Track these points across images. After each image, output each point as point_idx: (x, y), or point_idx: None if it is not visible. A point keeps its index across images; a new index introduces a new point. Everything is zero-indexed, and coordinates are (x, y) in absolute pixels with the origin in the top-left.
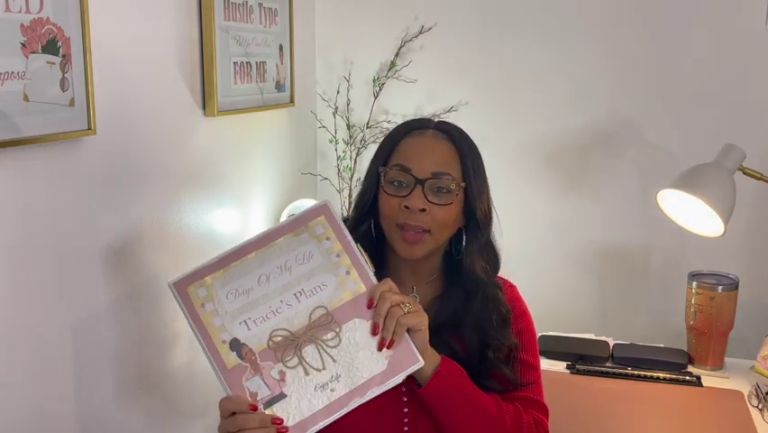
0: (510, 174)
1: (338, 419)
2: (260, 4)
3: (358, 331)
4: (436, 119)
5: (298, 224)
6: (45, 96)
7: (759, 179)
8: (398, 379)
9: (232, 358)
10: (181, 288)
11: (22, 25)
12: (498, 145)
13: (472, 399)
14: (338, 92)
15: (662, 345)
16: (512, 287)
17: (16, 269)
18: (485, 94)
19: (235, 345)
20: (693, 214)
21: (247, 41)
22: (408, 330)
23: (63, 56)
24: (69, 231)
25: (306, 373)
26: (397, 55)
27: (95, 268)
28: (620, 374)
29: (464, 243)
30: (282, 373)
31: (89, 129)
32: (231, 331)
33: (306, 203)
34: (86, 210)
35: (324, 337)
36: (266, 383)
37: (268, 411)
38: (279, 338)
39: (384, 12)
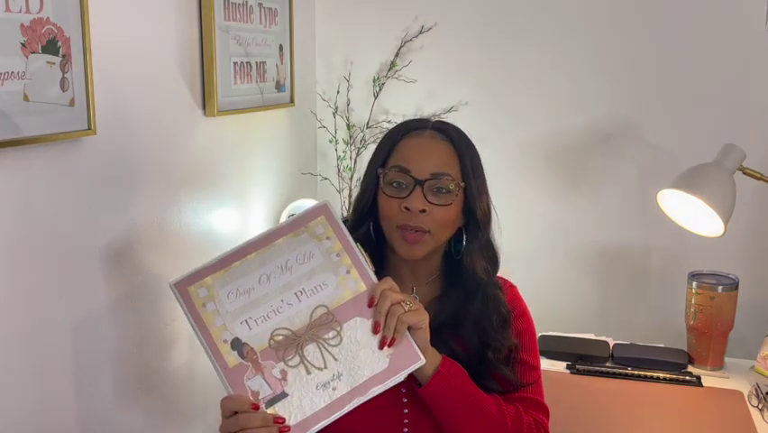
0: (510, 174)
1: (338, 419)
2: (260, 4)
3: (359, 330)
4: (435, 119)
5: (298, 224)
6: (45, 96)
7: (759, 179)
8: (400, 377)
9: (233, 357)
10: (182, 288)
11: (22, 25)
12: (498, 145)
13: (473, 399)
14: (338, 92)
15: (662, 345)
16: (512, 287)
17: (16, 269)
18: (485, 94)
19: (236, 344)
20: (693, 214)
21: (247, 41)
22: (409, 328)
23: (63, 56)
24: (69, 231)
25: (308, 372)
26: (397, 55)
27: (95, 268)
28: (620, 374)
29: (464, 242)
30: (284, 372)
31: (89, 129)
32: (232, 331)
33: (306, 203)
34: (86, 210)
35: (326, 336)
36: (267, 382)
37: (269, 410)
38: (281, 337)
39: (384, 12)
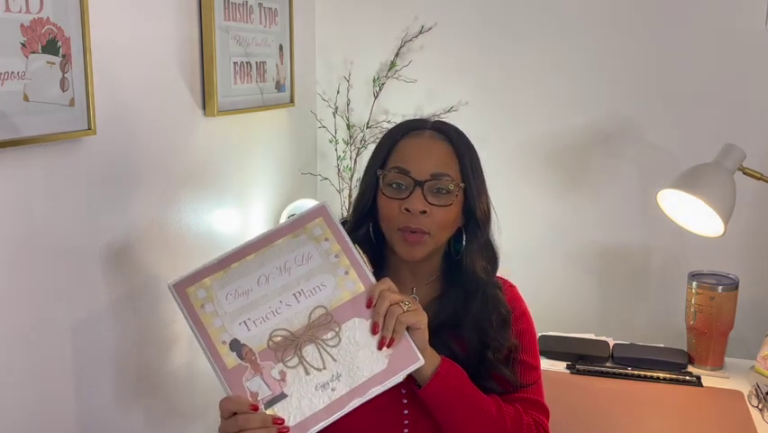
0: (510, 174)
1: (338, 420)
2: (260, 4)
3: (358, 330)
4: (434, 119)
5: (297, 225)
6: (45, 96)
7: (759, 179)
8: (399, 378)
9: (232, 359)
10: (180, 289)
11: (22, 25)
12: (497, 145)
13: (472, 400)
14: (338, 92)
15: (662, 345)
16: (512, 287)
17: (16, 269)
18: (485, 94)
19: (235, 345)
20: (693, 214)
21: (247, 41)
22: (408, 329)
23: (63, 56)
24: (69, 231)
25: (307, 373)
26: (397, 55)
27: (94, 268)
28: (620, 374)
29: (464, 242)
30: (283, 373)
31: (89, 129)
32: (231, 332)
33: (306, 203)
34: (86, 210)
35: (324, 337)
36: (266, 383)
37: (269, 411)
38: (279, 338)
39: (384, 12)
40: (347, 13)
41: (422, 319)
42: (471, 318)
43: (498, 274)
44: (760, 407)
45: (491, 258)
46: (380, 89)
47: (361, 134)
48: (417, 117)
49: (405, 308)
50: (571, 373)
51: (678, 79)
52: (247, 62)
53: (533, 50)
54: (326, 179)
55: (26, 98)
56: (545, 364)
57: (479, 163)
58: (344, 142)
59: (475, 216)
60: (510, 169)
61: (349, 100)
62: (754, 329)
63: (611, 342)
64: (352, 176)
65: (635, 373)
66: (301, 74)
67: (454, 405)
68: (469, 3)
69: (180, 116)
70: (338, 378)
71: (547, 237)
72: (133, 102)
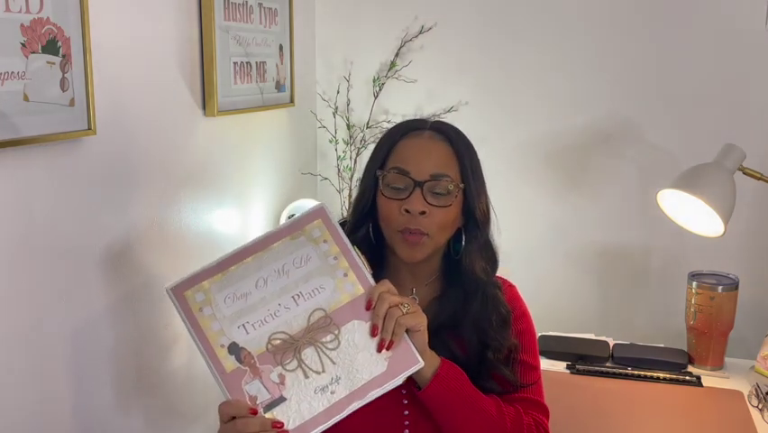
0: (510, 174)
1: (338, 422)
2: (260, 4)
3: (357, 333)
4: (433, 119)
5: (295, 227)
6: (45, 96)
7: (759, 179)
8: (399, 380)
9: (230, 362)
10: (178, 292)
11: (22, 25)
12: (497, 145)
13: (473, 401)
14: (338, 92)
15: (662, 345)
16: (511, 287)
17: (16, 269)
18: (485, 94)
19: (234, 349)
20: (693, 214)
21: (247, 41)
22: (407, 331)
23: (63, 56)
24: (69, 231)
25: (306, 376)
26: (397, 55)
27: (94, 268)
28: (620, 374)
29: (463, 243)
30: (282, 377)
31: (89, 129)
32: (229, 335)
33: (306, 203)
34: (86, 210)
35: (324, 340)
36: (265, 387)
37: (268, 415)
38: (278, 341)
39: (384, 12)
40: (347, 13)
41: (421, 321)
42: (471, 319)
43: (498, 274)
44: (760, 407)
45: (491, 258)
46: (380, 89)
47: (361, 134)
48: (417, 117)
49: (404, 311)
50: (571, 373)
51: (678, 79)
52: (247, 62)
53: (533, 50)
54: (326, 179)
55: (26, 98)
56: (545, 364)
57: (478, 164)
58: (344, 142)
59: (474, 216)
60: (510, 169)
61: (349, 100)
62: (754, 329)
63: (611, 342)
64: (351, 176)
65: (635, 373)
66: (301, 74)
67: (454, 406)
68: (469, 3)
69: (180, 116)
70: (337, 381)
71: (547, 237)
72: (133, 102)
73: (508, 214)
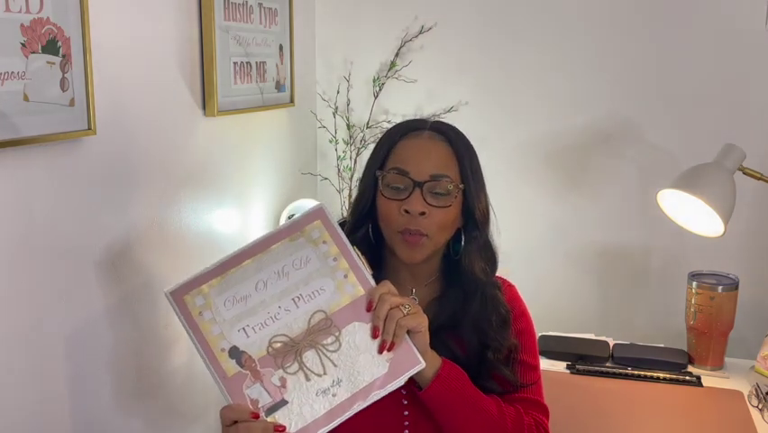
0: (510, 174)
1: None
2: (260, 4)
3: (358, 334)
4: (433, 119)
5: (294, 228)
6: (45, 96)
7: (759, 179)
8: (400, 381)
9: (231, 366)
10: (178, 297)
11: (22, 25)
12: (497, 145)
13: (474, 401)
14: (338, 92)
15: (662, 345)
16: (511, 286)
17: (16, 269)
18: (485, 94)
19: (234, 352)
20: (693, 214)
21: (247, 41)
22: (408, 332)
23: (63, 56)
24: (69, 231)
25: (307, 379)
26: (397, 55)
27: (94, 268)
28: (620, 374)
29: (463, 243)
30: (283, 380)
31: (89, 129)
32: (230, 339)
33: (306, 203)
34: (86, 210)
35: (324, 342)
36: (267, 390)
37: (269, 418)
38: (279, 344)
39: (384, 12)
40: (347, 13)
41: (422, 322)
42: (471, 319)
43: (498, 274)
44: (760, 407)
45: (490, 259)
46: (380, 89)
47: (361, 134)
48: (417, 117)
49: (405, 312)
50: (571, 373)
51: (678, 79)
52: (247, 62)
53: (533, 50)
54: (326, 179)
55: (26, 98)
56: (545, 364)
57: (478, 164)
58: (344, 142)
59: (474, 216)
60: (510, 169)
61: (349, 100)
62: (754, 329)
63: (611, 342)
64: (351, 176)
65: (635, 372)
66: (301, 74)
67: (456, 407)
68: (469, 3)
69: (180, 116)
70: (339, 383)
71: (547, 237)
72: (133, 102)
73: (508, 214)
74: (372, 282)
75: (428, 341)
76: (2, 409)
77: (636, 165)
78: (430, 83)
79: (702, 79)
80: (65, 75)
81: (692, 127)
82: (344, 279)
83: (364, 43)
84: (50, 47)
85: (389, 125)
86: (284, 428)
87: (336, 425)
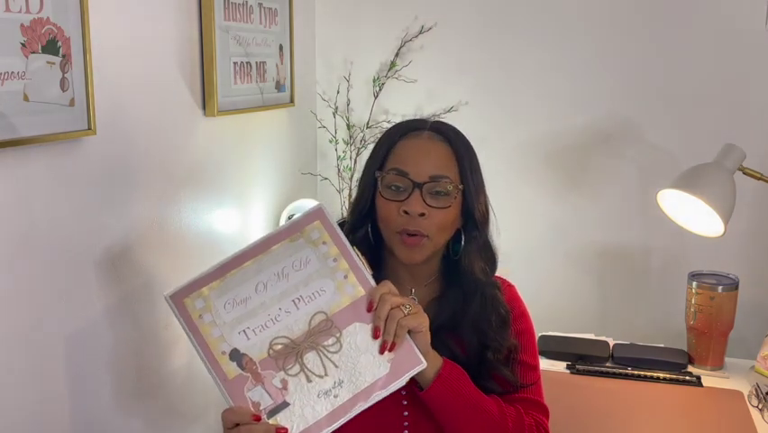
0: (510, 174)
1: None
2: (260, 4)
3: (359, 335)
4: (433, 119)
5: (294, 229)
6: (45, 96)
7: (759, 179)
8: (402, 382)
9: (232, 369)
10: (178, 300)
11: (22, 25)
12: (497, 145)
13: (474, 401)
14: (338, 92)
15: (662, 345)
16: (510, 286)
17: (16, 269)
18: (485, 94)
19: (235, 355)
20: (693, 214)
21: (247, 41)
22: (409, 332)
23: (63, 56)
24: (69, 231)
25: (309, 380)
26: (397, 55)
27: (94, 268)
28: (620, 374)
29: (462, 243)
30: (284, 382)
31: (89, 129)
32: (230, 341)
33: (306, 203)
34: (86, 210)
35: (325, 343)
36: (268, 392)
37: (271, 421)
38: (280, 346)
39: (384, 12)
40: (347, 13)
41: (423, 322)
42: (470, 319)
43: (498, 274)
44: (760, 407)
45: (490, 259)
46: (380, 89)
47: (361, 134)
48: (416, 117)
49: (406, 312)
50: (571, 373)
51: (678, 79)
52: (247, 62)
53: (533, 50)
54: (326, 179)
55: (26, 98)
56: (545, 364)
57: (478, 164)
58: (344, 142)
59: (474, 217)
60: (510, 169)
61: (349, 100)
62: (754, 329)
63: (611, 342)
64: (351, 176)
65: (635, 373)
66: (301, 74)
67: (457, 407)
68: (469, 3)
69: (180, 116)
70: (340, 384)
71: (547, 237)
72: (133, 102)
73: (508, 214)
74: (372, 283)
75: (429, 341)
76: (2, 409)
77: (636, 165)
78: (430, 83)
79: (702, 79)
80: (65, 75)
81: (692, 127)
82: (344, 279)
83: (364, 43)
84: (50, 47)
85: (389, 125)
86: (286, 430)
87: (338, 426)
